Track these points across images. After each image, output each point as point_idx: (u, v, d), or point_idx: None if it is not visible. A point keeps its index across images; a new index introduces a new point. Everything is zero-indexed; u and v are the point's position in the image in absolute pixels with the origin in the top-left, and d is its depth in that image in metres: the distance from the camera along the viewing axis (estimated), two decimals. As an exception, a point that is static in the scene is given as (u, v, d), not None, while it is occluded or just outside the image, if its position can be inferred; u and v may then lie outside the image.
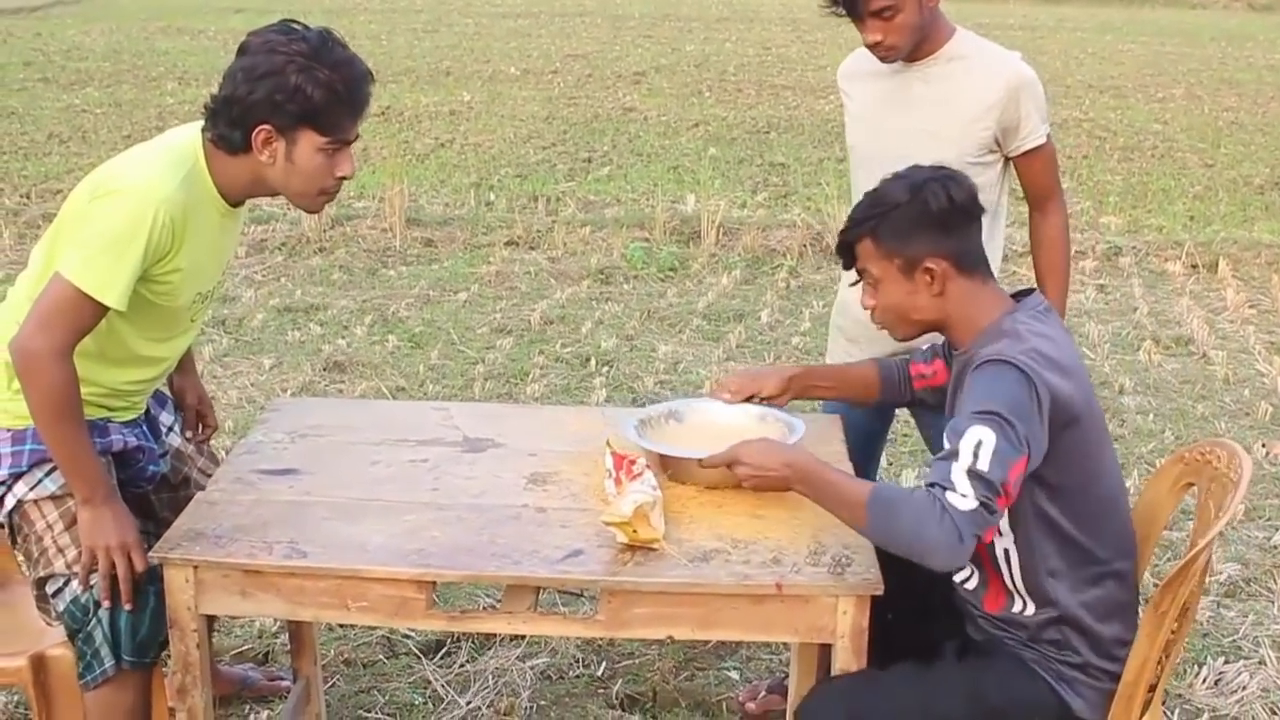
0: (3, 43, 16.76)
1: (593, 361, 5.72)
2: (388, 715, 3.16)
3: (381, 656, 3.41)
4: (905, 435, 4.74)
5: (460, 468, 2.60)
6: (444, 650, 3.43)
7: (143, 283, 2.37)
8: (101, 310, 2.31)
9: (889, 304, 2.34)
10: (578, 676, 3.34)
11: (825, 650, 2.31)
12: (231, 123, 2.35)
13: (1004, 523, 2.22)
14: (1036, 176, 2.88)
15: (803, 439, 2.55)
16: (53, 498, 2.45)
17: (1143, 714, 2.23)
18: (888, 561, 2.20)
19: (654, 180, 9.42)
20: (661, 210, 8.03)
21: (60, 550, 2.43)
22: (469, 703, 3.21)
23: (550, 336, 6.09)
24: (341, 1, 22.57)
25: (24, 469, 2.46)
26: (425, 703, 3.22)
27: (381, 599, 2.22)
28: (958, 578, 2.34)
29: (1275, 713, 3.24)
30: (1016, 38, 18.14)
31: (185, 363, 2.89)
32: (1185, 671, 3.36)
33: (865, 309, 2.40)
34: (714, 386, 2.70)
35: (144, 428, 2.69)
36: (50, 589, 2.45)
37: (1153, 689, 2.22)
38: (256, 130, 2.34)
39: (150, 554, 2.31)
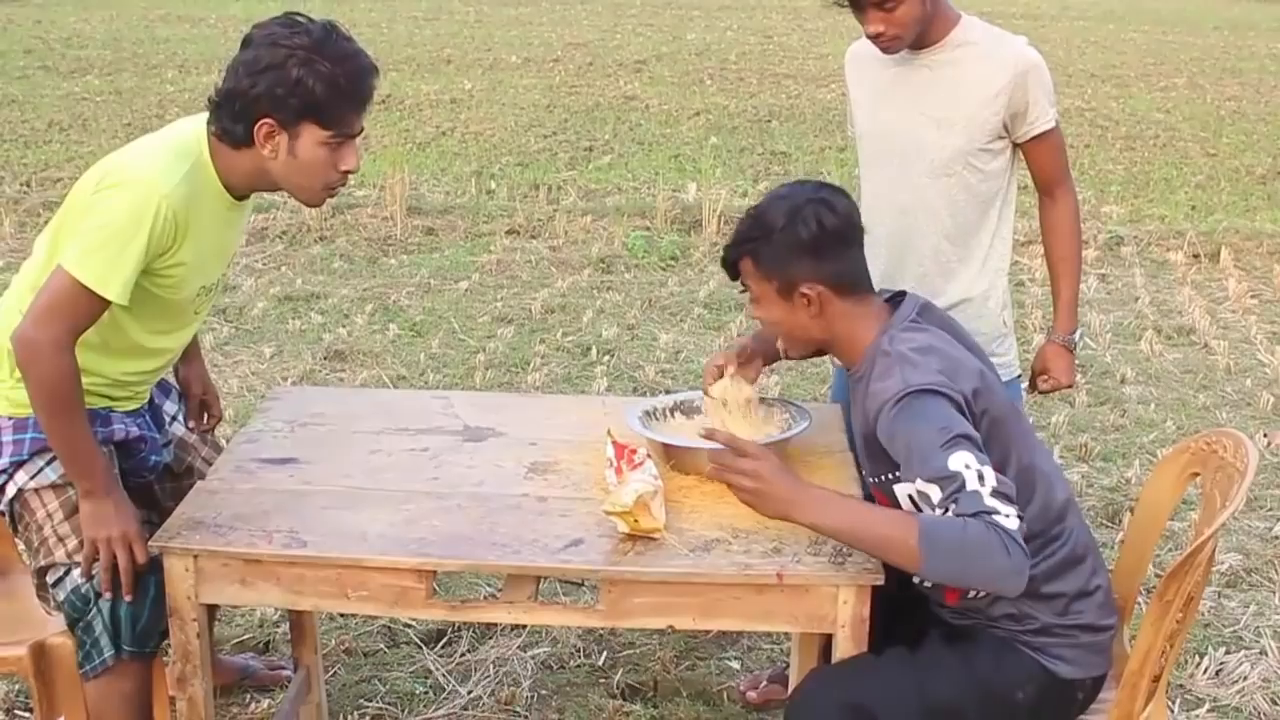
0: (3, 30, 16.72)
1: (594, 351, 5.71)
2: (389, 704, 3.16)
3: (382, 646, 3.41)
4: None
5: (461, 457, 2.60)
6: (445, 640, 3.43)
7: (146, 276, 2.36)
8: (102, 304, 2.30)
9: (773, 320, 2.40)
10: (579, 666, 3.34)
11: (826, 640, 2.31)
12: (234, 116, 2.34)
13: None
14: (1045, 162, 2.86)
15: (807, 428, 2.54)
16: (53, 486, 2.44)
17: (1146, 704, 2.22)
18: None
19: (655, 169, 9.41)
20: (663, 199, 8.02)
21: (61, 539, 2.42)
22: (470, 692, 3.20)
23: (551, 325, 6.08)
24: (342, -11, 22.53)
25: (24, 457, 2.45)
26: (426, 692, 3.22)
27: (381, 588, 2.22)
28: (915, 578, 2.31)
29: (1276, 703, 3.23)
30: (1019, 27, 18.01)
31: (191, 352, 2.88)
32: (1186, 662, 3.35)
33: (754, 319, 2.46)
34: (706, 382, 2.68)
35: (146, 417, 2.68)
36: (51, 578, 2.44)
37: (1156, 679, 2.22)
38: (259, 124, 2.32)
39: (150, 543, 2.30)
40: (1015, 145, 2.82)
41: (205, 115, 2.42)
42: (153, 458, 2.66)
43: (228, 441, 2.78)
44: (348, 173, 2.43)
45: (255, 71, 2.29)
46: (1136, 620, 2.49)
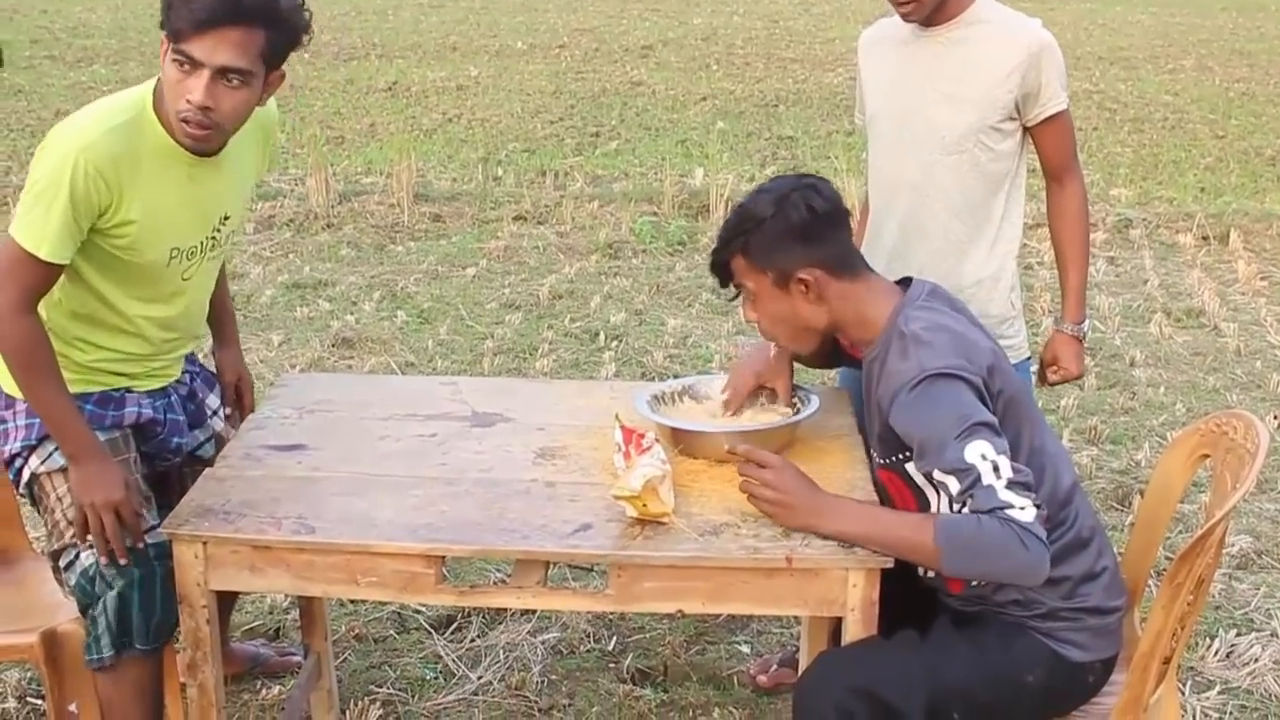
0: (9, 20, 16.72)
1: (602, 336, 5.71)
2: (399, 690, 3.17)
3: (392, 632, 3.42)
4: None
5: (469, 442, 2.59)
6: (455, 625, 3.44)
7: (99, 235, 2.34)
8: (45, 265, 2.28)
9: (775, 316, 2.38)
10: (589, 651, 3.34)
11: (836, 624, 2.31)
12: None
13: (943, 506, 2.21)
14: (1055, 147, 2.84)
15: (816, 411, 2.54)
16: (63, 470, 2.44)
17: (1157, 686, 2.22)
18: None
19: (662, 154, 9.39)
20: (670, 184, 8.01)
21: (71, 522, 2.42)
22: (480, 677, 3.21)
23: (559, 311, 6.08)
24: (347, -23, 22.49)
25: (34, 442, 2.46)
26: (436, 678, 3.23)
27: (391, 574, 2.22)
28: (920, 570, 2.31)
29: (1288, 685, 3.23)
30: (1028, 8, 17.86)
31: (225, 336, 2.87)
32: (1197, 644, 3.35)
33: (748, 322, 2.43)
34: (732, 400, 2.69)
35: (173, 399, 2.65)
36: (63, 561, 2.44)
37: (1167, 661, 2.22)
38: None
39: (160, 529, 2.30)
40: (1025, 129, 2.81)
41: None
42: (174, 439, 2.64)
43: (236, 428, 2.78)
44: (199, 107, 2.24)
45: None
46: (1147, 603, 2.49)
